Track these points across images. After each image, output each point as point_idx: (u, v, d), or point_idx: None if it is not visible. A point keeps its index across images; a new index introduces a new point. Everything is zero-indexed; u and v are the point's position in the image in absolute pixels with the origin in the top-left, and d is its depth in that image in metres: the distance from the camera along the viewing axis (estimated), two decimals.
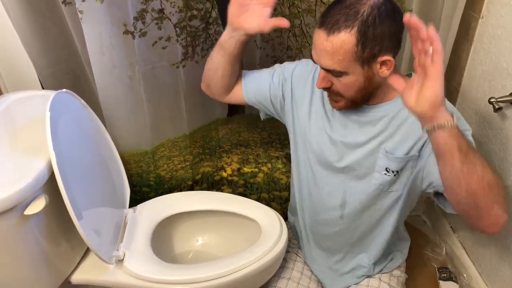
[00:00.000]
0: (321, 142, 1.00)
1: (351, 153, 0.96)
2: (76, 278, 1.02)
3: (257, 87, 1.07)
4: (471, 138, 0.88)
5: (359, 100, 0.89)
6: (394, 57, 0.82)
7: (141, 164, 1.32)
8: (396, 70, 0.84)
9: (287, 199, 1.23)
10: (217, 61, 1.01)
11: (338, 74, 0.83)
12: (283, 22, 0.90)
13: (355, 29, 0.77)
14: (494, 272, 1.19)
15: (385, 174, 0.94)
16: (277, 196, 1.49)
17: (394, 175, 0.93)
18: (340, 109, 0.93)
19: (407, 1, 1.13)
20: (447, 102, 0.86)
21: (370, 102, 0.93)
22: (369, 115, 0.93)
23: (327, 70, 0.84)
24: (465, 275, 1.34)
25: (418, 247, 1.50)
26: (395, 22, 0.80)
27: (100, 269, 1.01)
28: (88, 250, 1.07)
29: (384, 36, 0.79)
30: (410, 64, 1.26)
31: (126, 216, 1.15)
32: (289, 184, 1.30)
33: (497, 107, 1.04)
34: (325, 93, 0.97)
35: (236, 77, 1.06)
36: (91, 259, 1.05)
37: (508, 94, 1.03)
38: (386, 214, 1.02)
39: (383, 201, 0.99)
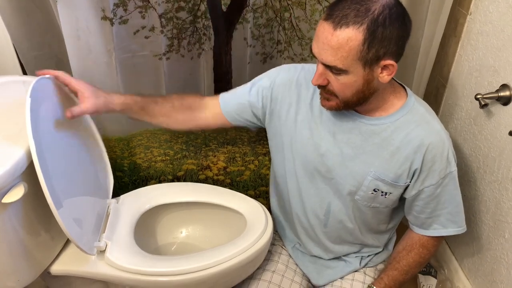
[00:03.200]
0: (308, 152, 0.97)
1: (338, 165, 0.95)
2: (56, 269, 0.99)
3: (237, 107, 1.01)
4: (447, 182, 0.91)
5: (353, 103, 0.86)
6: (396, 62, 0.80)
7: (116, 149, 1.31)
8: (391, 81, 0.83)
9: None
10: (147, 121, 1.00)
11: (337, 72, 0.80)
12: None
13: (364, 26, 0.74)
14: (476, 267, 1.20)
15: (372, 193, 0.94)
16: (264, 192, 1.48)
17: (382, 195, 0.94)
18: (330, 109, 0.89)
19: None
20: (449, 152, 0.89)
21: (363, 111, 0.91)
22: (361, 127, 0.91)
23: (327, 66, 0.80)
24: (445, 269, 1.35)
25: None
26: (405, 26, 0.78)
27: (81, 260, 0.99)
28: (68, 240, 1.04)
29: (392, 39, 0.76)
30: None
31: (108, 207, 1.13)
32: None
33: (483, 103, 1.04)
34: (314, 99, 0.95)
35: (177, 113, 1.00)
36: (72, 249, 1.03)
37: (494, 90, 1.04)
38: (372, 222, 1.03)
39: (368, 214, 1.00)
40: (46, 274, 1.00)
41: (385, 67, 0.80)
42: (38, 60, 1.13)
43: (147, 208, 1.15)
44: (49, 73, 0.88)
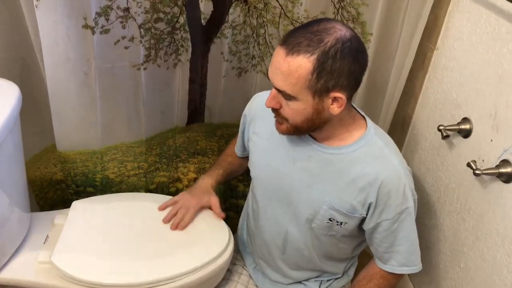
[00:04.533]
0: (267, 176, 0.99)
1: (296, 191, 0.95)
2: (3, 277, 0.95)
3: (240, 144, 1.16)
4: (404, 217, 0.91)
5: (303, 130, 0.87)
6: (348, 97, 0.81)
7: (88, 163, 1.27)
8: (348, 110, 0.85)
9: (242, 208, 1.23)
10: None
11: (287, 97, 0.81)
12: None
13: (314, 57, 0.75)
14: None
15: (327, 222, 0.94)
16: (234, 205, 1.47)
17: (337, 224, 0.94)
18: (282, 132, 0.90)
19: (368, 26, 1.17)
20: (406, 187, 0.89)
21: (321, 139, 0.92)
22: (319, 155, 0.92)
23: (279, 91, 0.81)
24: None
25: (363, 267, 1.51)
26: (357, 62, 0.79)
27: (30, 269, 0.96)
28: (18, 249, 1.00)
29: (342, 73, 0.77)
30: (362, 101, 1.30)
31: (56, 217, 1.10)
32: (246, 192, 1.30)
33: (445, 134, 1.08)
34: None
35: (237, 162, 1.21)
36: (20, 258, 0.99)
37: (456, 123, 1.08)
38: (330, 250, 1.03)
39: (326, 242, 1.00)
40: None
41: (335, 99, 0.80)
42: (3, 62, 1.09)
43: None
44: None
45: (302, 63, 0.76)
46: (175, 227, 1.07)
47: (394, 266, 0.97)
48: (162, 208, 1.13)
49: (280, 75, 0.78)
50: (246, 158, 1.13)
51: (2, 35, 1.06)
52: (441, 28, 1.17)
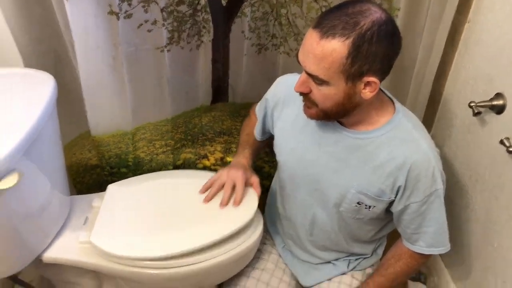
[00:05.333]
0: (293, 162, 0.99)
1: (323, 176, 0.95)
2: (48, 256, 1.02)
3: (259, 129, 1.15)
4: (433, 199, 0.90)
5: (332, 115, 0.86)
6: (380, 80, 0.79)
7: (121, 145, 1.33)
8: (377, 94, 0.82)
9: (268, 189, 1.24)
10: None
11: (319, 82, 0.79)
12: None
13: (349, 40, 0.73)
14: (465, 276, 1.20)
15: (355, 206, 0.94)
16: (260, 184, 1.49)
17: (366, 208, 0.94)
18: (310, 117, 0.89)
19: (395, 0, 1.13)
20: (435, 170, 0.88)
21: (348, 124, 0.91)
22: (346, 140, 0.91)
23: (310, 75, 0.80)
24: (435, 277, 1.35)
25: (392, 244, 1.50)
26: (392, 46, 0.77)
27: (72, 249, 1.02)
28: (61, 230, 1.07)
29: (377, 57, 0.75)
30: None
31: (94, 199, 1.15)
32: (271, 173, 1.32)
33: (476, 111, 1.04)
34: (301, 110, 0.95)
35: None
36: (64, 238, 1.05)
37: (488, 99, 1.04)
38: (358, 233, 1.04)
39: (354, 225, 1.01)
40: (38, 261, 1.02)
41: (368, 83, 0.79)
42: (37, 54, 1.14)
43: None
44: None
45: (337, 47, 0.74)
46: (226, 203, 1.05)
47: (422, 247, 0.97)
48: (202, 191, 1.10)
49: (312, 59, 0.77)
50: (264, 141, 1.16)
51: (35, 29, 1.11)
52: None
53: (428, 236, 0.95)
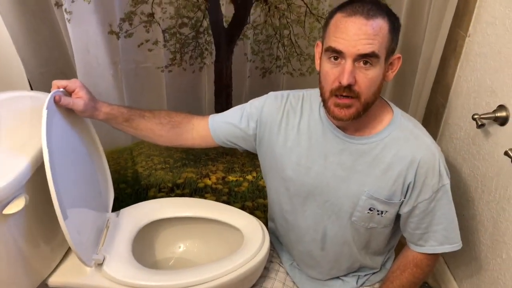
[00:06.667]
0: (299, 177, 0.98)
1: (332, 187, 0.95)
2: (54, 280, 1.01)
3: (228, 132, 1.03)
4: (440, 195, 0.91)
5: (369, 106, 0.85)
6: None
7: (120, 160, 1.34)
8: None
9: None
10: (131, 134, 1.03)
11: (370, 61, 0.80)
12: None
13: (387, 18, 0.81)
14: None
15: (368, 213, 0.94)
16: (261, 204, 1.49)
17: (378, 214, 0.94)
18: (349, 117, 0.85)
19: (396, 8, 1.14)
20: (441, 165, 0.90)
21: (352, 131, 0.92)
22: (351, 147, 0.92)
23: (358, 59, 0.80)
24: None
25: None
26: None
27: (78, 273, 1.01)
28: (67, 253, 1.06)
29: (399, 32, 0.85)
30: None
31: (108, 220, 1.14)
32: None
33: (480, 123, 1.05)
34: (302, 124, 0.96)
35: (163, 130, 1.01)
36: (70, 261, 1.04)
37: (491, 111, 1.05)
38: (369, 244, 1.03)
39: (366, 235, 1.00)
40: (44, 285, 1.01)
41: (391, 63, 0.86)
42: (45, 76, 1.15)
43: (146, 222, 1.16)
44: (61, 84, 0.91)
45: (382, 24, 0.80)
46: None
47: (433, 246, 0.96)
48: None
49: (365, 39, 0.79)
50: (201, 138, 1.04)
51: (43, 51, 1.13)
52: (472, 14, 1.14)
53: (440, 234, 0.94)
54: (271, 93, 1.03)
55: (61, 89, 0.91)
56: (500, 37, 1.04)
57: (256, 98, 1.04)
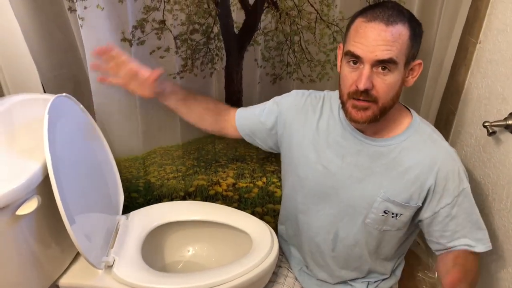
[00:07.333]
0: (316, 176, 0.98)
1: (348, 187, 0.95)
2: (64, 282, 1.02)
3: (251, 126, 1.07)
4: (462, 199, 0.90)
5: (386, 111, 0.86)
6: None
7: (131, 169, 1.34)
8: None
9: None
10: (181, 114, 1.09)
11: (388, 67, 0.81)
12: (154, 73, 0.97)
13: (407, 24, 0.81)
14: None
15: (382, 215, 0.94)
16: (271, 209, 1.49)
17: (393, 216, 0.93)
18: (366, 120, 0.86)
19: None
20: (460, 169, 0.90)
21: (370, 133, 0.92)
22: (369, 149, 0.92)
23: (376, 65, 0.81)
24: None
25: (410, 268, 1.48)
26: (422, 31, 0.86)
27: (88, 274, 1.01)
28: (78, 254, 1.07)
29: (421, 39, 0.84)
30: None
31: (118, 223, 1.15)
32: None
33: (491, 131, 1.04)
34: (320, 123, 0.97)
35: (208, 115, 1.09)
36: (80, 263, 1.05)
37: (502, 118, 1.04)
38: (381, 248, 1.02)
39: (378, 238, 0.99)
40: (54, 287, 1.02)
41: (412, 69, 0.86)
42: (57, 79, 1.17)
43: (155, 225, 1.17)
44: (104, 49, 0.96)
45: (402, 30, 0.80)
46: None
47: (465, 245, 0.93)
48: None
49: (384, 45, 0.80)
50: (233, 128, 1.09)
51: (57, 54, 1.15)
52: (483, 21, 1.14)
53: (467, 239, 0.92)
54: (294, 91, 1.07)
55: (64, 94, 0.94)
56: (511, 44, 1.03)
57: (279, 96, 1.08)
